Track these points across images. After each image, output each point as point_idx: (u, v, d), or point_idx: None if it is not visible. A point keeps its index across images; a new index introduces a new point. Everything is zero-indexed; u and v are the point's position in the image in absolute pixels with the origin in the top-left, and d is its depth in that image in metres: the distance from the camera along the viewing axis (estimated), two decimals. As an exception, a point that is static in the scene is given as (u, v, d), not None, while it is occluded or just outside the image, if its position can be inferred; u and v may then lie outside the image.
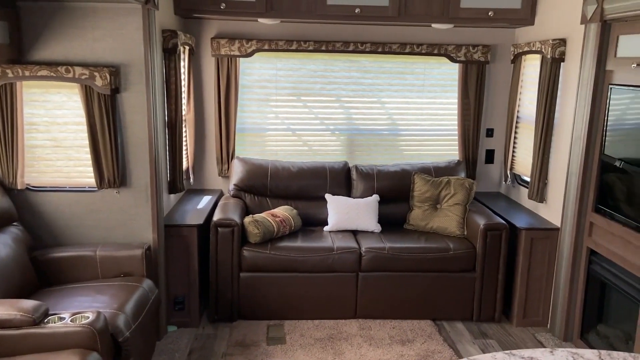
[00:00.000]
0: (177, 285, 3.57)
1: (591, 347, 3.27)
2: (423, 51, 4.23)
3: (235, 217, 3.64)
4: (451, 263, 3.66)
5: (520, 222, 3.69)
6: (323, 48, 4.17)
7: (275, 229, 3.70)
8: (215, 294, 3.64)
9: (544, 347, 3.45)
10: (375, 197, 4.01)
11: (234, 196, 4.10)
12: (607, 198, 3.09)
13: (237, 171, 4.10)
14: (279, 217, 3.78)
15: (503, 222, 3.65)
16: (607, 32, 3.06)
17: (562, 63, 3.58)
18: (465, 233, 3.84)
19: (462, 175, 4.21)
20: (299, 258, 3.60)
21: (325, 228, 3.94)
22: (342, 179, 4.14)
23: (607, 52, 3.07)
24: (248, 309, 3.66)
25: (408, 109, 4.42)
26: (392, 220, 4.07)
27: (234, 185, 4.09)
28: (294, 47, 4.15)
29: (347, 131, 4.42)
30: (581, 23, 3.20)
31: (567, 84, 3.52)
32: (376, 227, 3.92)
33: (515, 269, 3.68)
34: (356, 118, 4.40)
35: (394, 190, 4.10)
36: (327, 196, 4.02)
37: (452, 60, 4.26)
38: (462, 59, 4.24)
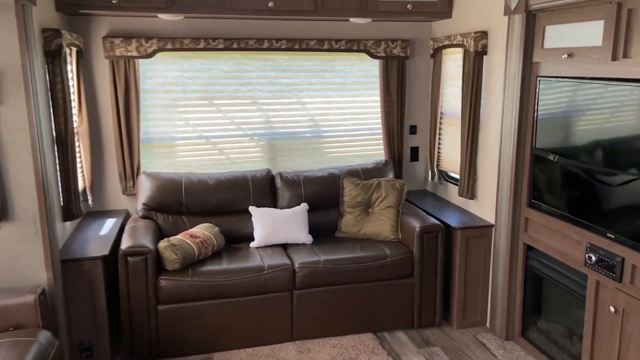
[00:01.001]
0: (82, 329, 3.04)
1: (533, 344, 3.22)
2: (342, 47, 3.99)
3: (147, 242, 3.16)
4: (389, 271, 3.46)
5: (453, 221, 3.58)
6: (234, 46, 3.78)
7: (196, 252, 3.27)
8: (128, 333, 3.14)
9: (487, 348, 3.36)
10: (303, 206, 3.71)
11: (143, 217, 3.59)
12: (541, 192, 3.04)
13: (145, 188, 3.60)
14: (198, 237, 3.35)
15: (438, 223, 3.51)
16: (532, 23, 2.99)
17: (484, 56, 3.50)
18: (400, 237, 3.66)
19: (391, 175, 4.04)
20: (226, 282, 3.21)
21: (252, 244, 3.58)
22: (266, 189, 3.79)
23: (534, 43, 3.00)
24: (170, 346, 3.21)
25: (330, 108, 4.16)
26: (323, 229, 3.80)
27: (143, 204, 3.59)
28: (201, 46, 3.72)
29: (266, 136, 4.07)
30: (505, 14, 3.12)
31: (492, 78, 3.44)
32: (307, 239, 3.62)
33: (452, 270, 3.57)
34: (276, 121, 4.07)
35: (322, 197, 3.83)
36: (251, 209, 3.65)
37: (372, 56, 4.06)
38: (382, 54, 4.06)
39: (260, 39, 3.82)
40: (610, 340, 2.53)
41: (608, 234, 2.51)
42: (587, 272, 2.67)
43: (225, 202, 3.68)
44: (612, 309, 2.47)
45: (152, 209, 3.60)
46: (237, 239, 3.66)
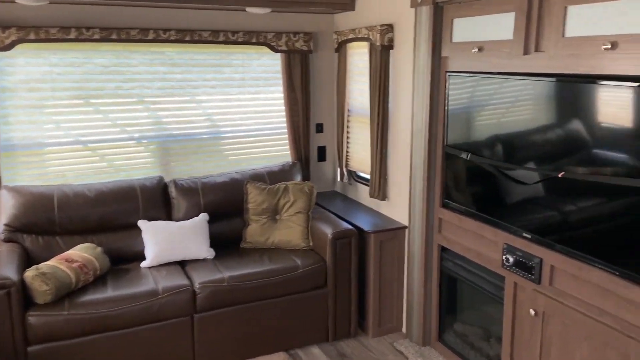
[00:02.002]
0: None
1: (450, 348, 3.12)
2: (240, 40, 3.64)
3: (9, 272, 2.61)
4: (302, 282, 3.18)
5: (366, 224, 3.38)
6: (114, 37, 3.28)
7: (73, 279, 2.77)
8: (-10, 385, 2.58)
9: (405, 356, 3.21)
10: (203, 217, 3.31)
11: (6, 240, 3.00)
12: (454, 192, 2.92)
13: (7, 206, 3.01)
14: (76, 261, 2.84)
15: (351, 227, 3.29)
16: (440, 15, 2.85)
17: (391, 50, 3.33)
18: (311, 244, 3.40)
19: (299, 178, 3.76)
20: (112, 312, 2.74)
21: (143, 264, 3.13)
22: (158, 199, 3.34)
23: (442, 37, 2.87)
24: (45, 394, 2.69)
25: (229, 107, 3.79)
26: (226, 241, 3.44)
27: (5, 225, 3.00)
28: (72, 36, 3.18)
29: (157, 139, 3.61)
30: (411, 6, 2.95)
31: (400, 73, 3.29)
32: (209, 253, 3.24)
33: (366, 275, 3.38)
34: (167, 122, 3.62)
35: (224, 205, 3.46)
36: (141, 223, 3.19)
37: (273, 49, 3.75)
38: (284, 48, 3.77)
39: (144, 29, 3.36)
40: (530, 344, 2.44)
41: (524, 234, 2.43)
42: (504, 273, 2.57)
43: (109, 216, 3.18)
44: (532, 312, 2.39)
45: (18, 230, 3.02)
46: (124, 259, 3.18)
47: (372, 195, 3.57)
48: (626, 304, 1.98)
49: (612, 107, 1.96)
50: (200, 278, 2.98)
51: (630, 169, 1.91)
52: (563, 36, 2.12)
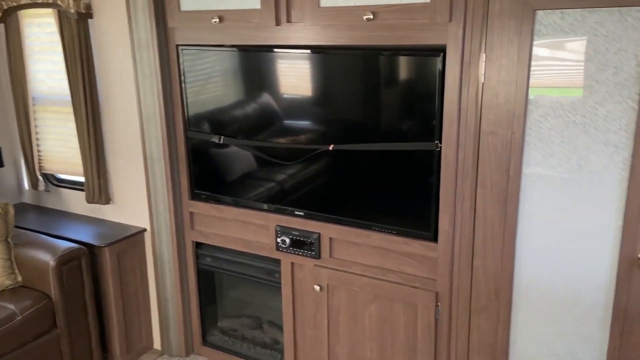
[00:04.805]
0: None
1: (219, 349, 2.87)
2: None
3: None
4: (23, 333, 2.35)
5: (93, 237, 2.74)
6: None
7: None
8: None
9: (170, 374, 2.81)
10: None
11: None
12: (207, 181, 2.62)
13: None
14: None
15: (78, 245, 2.59)
16: (161, -22, 2.43)
17: (90, 20, 2.70)
18: (20, 279, 2.54)
19: (-24, 196, 2.73)
20: None
21: None
22: None
23: (166, 5, 2.46)
24: None
25: None
26: None
27: None
28: None
29: None
30: (118, -35, 2.43)
31: (109, 48, 2.70)
32: None
33: (105, 298, 2.76)
34: None
35: None
36: None
37: None
38: None
39: None
40: (317, 318, 2.44)
41: (296, 212, 2.37)
42: (279, 256, 2.47)
43: None
44: (316, 287, 2.38)
45: None
46: None
47: (90, 201, 2.91)
48: (407, 258, 2.16)
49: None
50: None
51: (389, 134, 2.06)
52: (319, 6, 2.08)
